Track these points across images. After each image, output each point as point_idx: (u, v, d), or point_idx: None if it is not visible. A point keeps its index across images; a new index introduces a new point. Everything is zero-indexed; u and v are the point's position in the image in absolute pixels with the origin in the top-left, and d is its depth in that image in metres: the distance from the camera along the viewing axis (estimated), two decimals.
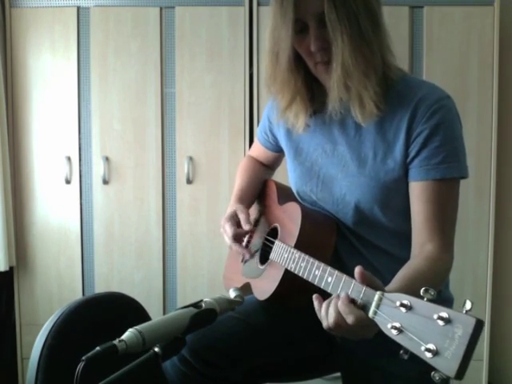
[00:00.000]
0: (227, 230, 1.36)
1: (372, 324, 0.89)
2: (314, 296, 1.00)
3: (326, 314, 0.96)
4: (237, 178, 1.55)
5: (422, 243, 1.16)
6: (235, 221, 1.37)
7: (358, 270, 0.94)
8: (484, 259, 2.29)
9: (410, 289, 0.97)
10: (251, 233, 1.45)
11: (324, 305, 0.97)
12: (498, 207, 2.31)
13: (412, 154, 1.17)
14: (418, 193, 1.17)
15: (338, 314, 0.93)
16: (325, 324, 0.96)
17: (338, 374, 1.40)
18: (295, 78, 1.21)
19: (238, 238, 1.36)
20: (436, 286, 1.13)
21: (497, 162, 2.26)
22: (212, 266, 2.31)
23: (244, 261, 1.46)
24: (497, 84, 2.24)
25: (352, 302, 0.93)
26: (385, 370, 1.18)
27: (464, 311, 0.75)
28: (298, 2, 1.12)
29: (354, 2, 1.10)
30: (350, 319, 0.91)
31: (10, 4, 2.25)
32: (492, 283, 2.30)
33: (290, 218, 1.29)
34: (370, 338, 0.95)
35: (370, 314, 0.88)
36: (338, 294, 0.96)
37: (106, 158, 2.28)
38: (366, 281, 0.93)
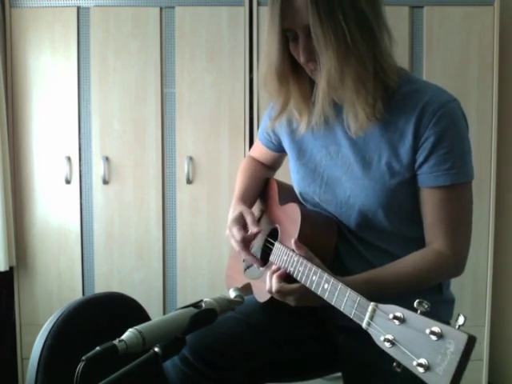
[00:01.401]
0: (235, 234, 1.32)
1: (306, 293, 1.08)
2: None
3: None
4: (237, 179, 1.53)
5: (429, 244, 1.19)
6: (242, 223, 1.34)
7: (294, 241, 1.14)
8: (484, 259, 2.29)
9: (396, 267, 1.17)
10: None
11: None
12: (498, 207, 2.31)
13: (420, 160, 1.16)
14: (427, 198, 1.18)
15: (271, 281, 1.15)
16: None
17: (339, 374, 1.39)
18: (285, 86, 1.21)
19: (245, 242, 1.32)
20: (424, 274, 1.19)
21: (497, 162, 2.26)
22: (212, 266, 2.31)
23: (244, 260, 1.46)
24: (497, 84, 2.24)
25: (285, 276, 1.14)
26: (386, 371, 1.18)
27: (457, 326, 0.74)
28: (285, 14, 1.11)
29: (341, 11, 1.06)
30: (275, 287, 1.14)
31: (10, 4, 2.25)
32: (492, 283, 2.30)
33: (289, 219, 1.29)
34: (317, 305, 1.11)
35: (364, 325, 0.88)
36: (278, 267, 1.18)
37: (106, 158, 2.28)
38: (303, 251, 1.12)
